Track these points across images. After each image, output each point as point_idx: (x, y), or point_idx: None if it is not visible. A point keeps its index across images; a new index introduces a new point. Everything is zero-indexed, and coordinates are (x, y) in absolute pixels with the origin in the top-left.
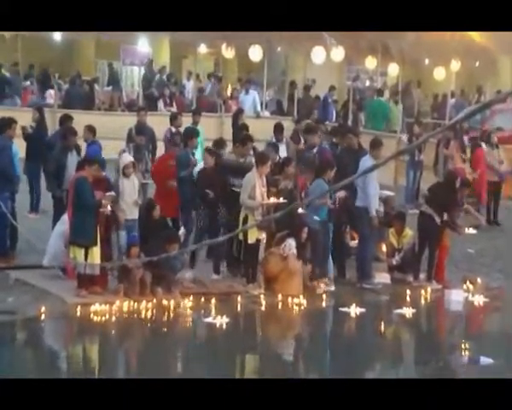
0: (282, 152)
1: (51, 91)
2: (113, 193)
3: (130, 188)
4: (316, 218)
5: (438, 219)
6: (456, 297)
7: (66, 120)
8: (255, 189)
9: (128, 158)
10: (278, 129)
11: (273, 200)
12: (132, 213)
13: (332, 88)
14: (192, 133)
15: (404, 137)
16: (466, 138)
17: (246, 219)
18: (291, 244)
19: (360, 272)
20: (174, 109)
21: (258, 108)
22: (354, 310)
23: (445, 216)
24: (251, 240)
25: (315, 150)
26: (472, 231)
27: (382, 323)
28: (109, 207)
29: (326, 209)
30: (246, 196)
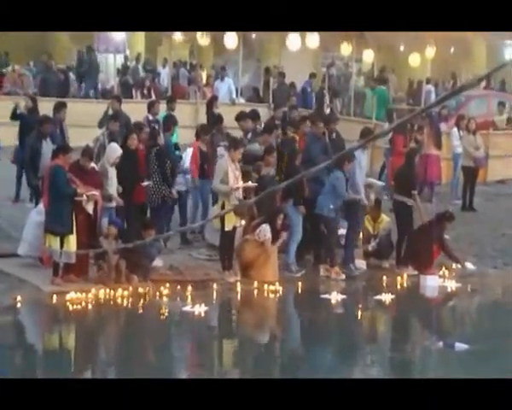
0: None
1: None
2: (95, 192)
3: (115, 175)
4: (331, 206)
5: (409, 203)
6: (431, 283)
7: (60, 108)
8: (228, 174)
9: (119, 150)
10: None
11: (241, 183)
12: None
13: (312, 75)
14: (171, 121)
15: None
16: (443, 125)
17: (223, 207)
18: (265, 230)
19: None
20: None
21: (234, 95)
22: (335, 297)
23: (414, 193)
24: (227, 227)
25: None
26: (471, 266)
27: (361, 308)
28: (90, 207)
29: (341, 199)
30: (218, 181)
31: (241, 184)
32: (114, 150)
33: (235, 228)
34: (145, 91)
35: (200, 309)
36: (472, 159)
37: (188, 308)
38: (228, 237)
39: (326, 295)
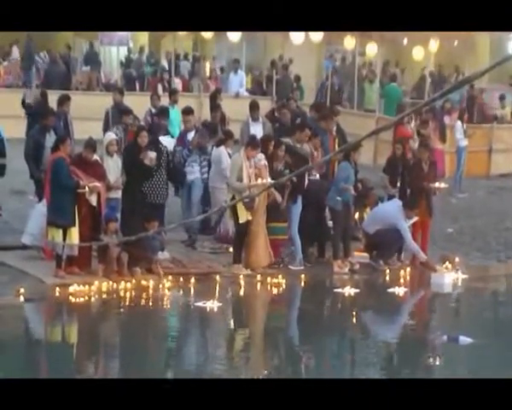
0: (259, 132)
1: None
2: (97, 184)
3: (113, 167)
4: (338, 198)
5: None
6: (447, 280)
7: (64, 101)
8: (242, 170)
9: (111, 136)
10: (253, 107)
11: (260, 181)
12: (115, 192)
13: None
14: (162, 113)
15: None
16: (447, 118)
17: (233, 200)
18: (260, 157)
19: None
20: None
21: (244, 87)
22: (348, 291)
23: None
24: (242, 220)
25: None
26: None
27: (362, 301)
28: (93, 198)
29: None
30: (234, 178)
31: (259, 181)
32: (106, 137)
33: (247, 222)
34: (165, 85)
35: (212, 305)
36: None
37: (200, 304)
38: (242, 230)
39: (339, 290)
